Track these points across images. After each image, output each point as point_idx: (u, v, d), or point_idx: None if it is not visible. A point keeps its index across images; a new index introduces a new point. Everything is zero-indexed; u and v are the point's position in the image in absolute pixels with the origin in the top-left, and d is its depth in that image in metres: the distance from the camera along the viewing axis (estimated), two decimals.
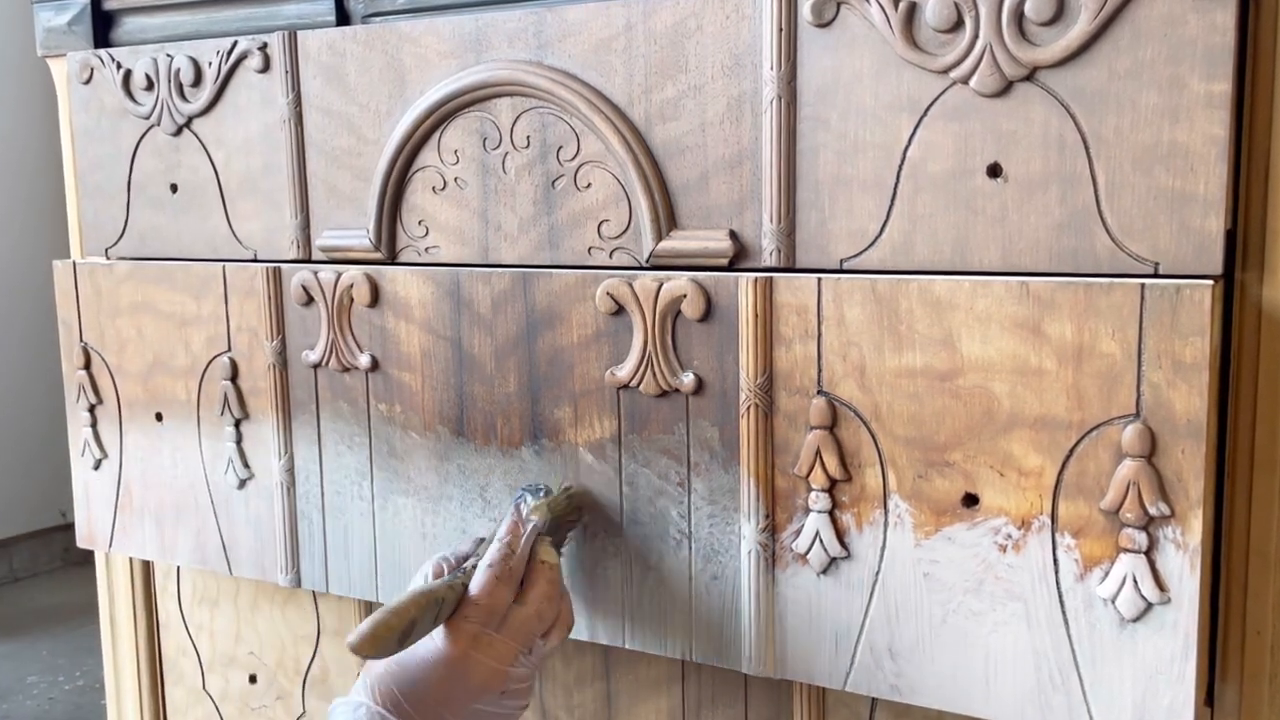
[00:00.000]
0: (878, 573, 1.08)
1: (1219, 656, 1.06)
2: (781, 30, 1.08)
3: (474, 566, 1.15)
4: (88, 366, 1.54)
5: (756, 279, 1.10)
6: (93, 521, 1.59)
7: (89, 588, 2.05)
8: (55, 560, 4.62)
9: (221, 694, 1.70)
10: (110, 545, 1.58)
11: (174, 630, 1.73)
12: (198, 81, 1.42)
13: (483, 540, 1.21)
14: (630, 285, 1.16)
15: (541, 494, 1.21)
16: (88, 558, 4.15)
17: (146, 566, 1.72)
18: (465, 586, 1.13)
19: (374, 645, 1.07)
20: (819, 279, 1.07)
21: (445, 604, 1.11)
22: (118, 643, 1.78)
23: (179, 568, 1.69)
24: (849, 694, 1.22)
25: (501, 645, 1.11)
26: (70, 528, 4.46)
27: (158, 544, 1.53)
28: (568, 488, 1.23)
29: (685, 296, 1.13)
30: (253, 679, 1.67)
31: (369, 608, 1.53)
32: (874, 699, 1.22)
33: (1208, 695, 1.06)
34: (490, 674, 1.10)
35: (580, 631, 1.25)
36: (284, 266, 1.37)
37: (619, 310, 1.17)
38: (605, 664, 1.38)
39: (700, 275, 1.13)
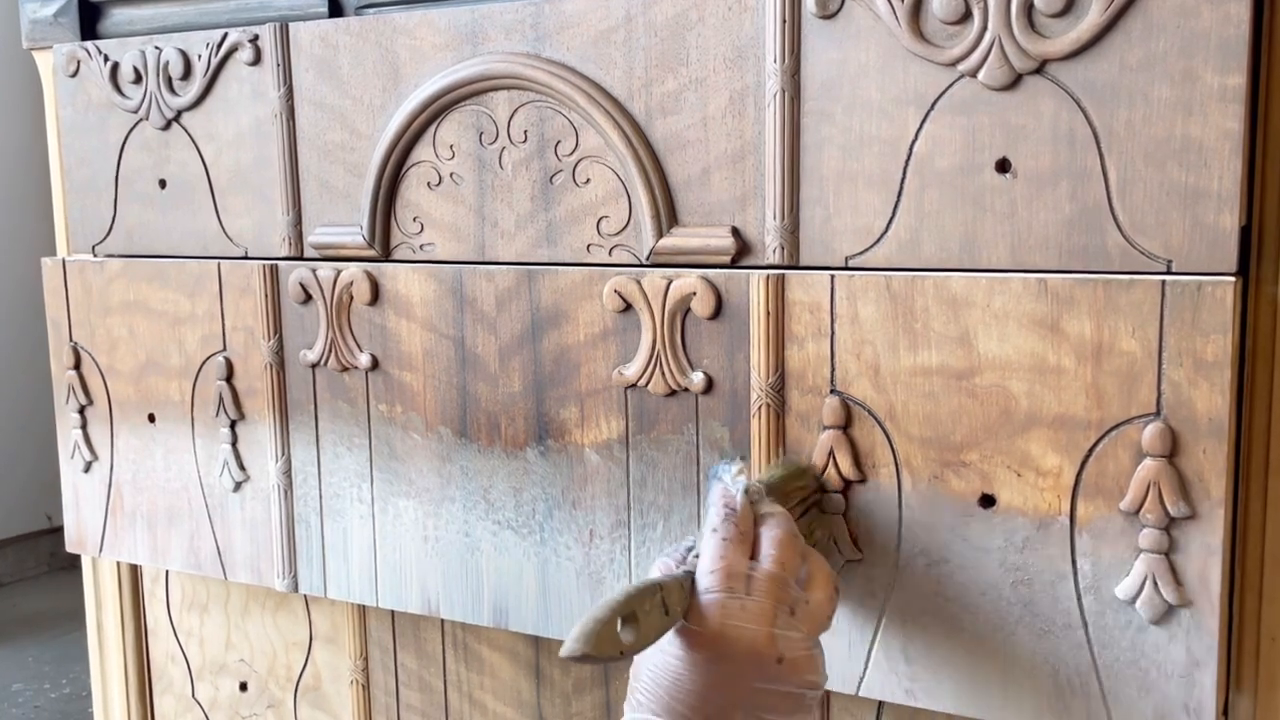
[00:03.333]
0: (892, 575, 1.09)
1: (1233, 664, 1.07)
2: (785, 22, 1.09)
3: (694, 556, 1.03)
4: (78, 366, 1.55)
5: (768, 276, 1.11)
6: (82, 526, 1.60)
7: (76, 593, 2.06)
8: (41, 565, 4.62)
9: (211, 702, 1.71)
10: (101, 550, 1.59)
11: (163, 637, 1.73)
12: (187, 74, 1.42)
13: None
14: (639, 283, 1.17)
15: (736, 462, 1.11)
16: (74, 562, 4.16)
17: (135, 571, 1.73)
18: (691, 574, 1.00)
19: (591, 642, 0.92)
20: (832, 276, 1.08)
21: (671, 591, 0.98)
22: (105, 649, 1.79)
23: (167, 572, 1.70)
24: (853, 699, 1.23)
25: (756, 606, 0.98)
26: (57, 532, 4.46)
27: (150, 549, 1.54)
28: (780, 461, 1.15)
29: (695, 294, 1.14)
30: (243, 687, 1.68)
31: (365, 613, 1.54)
32: (880, 703, 1.23)
33: (1223, 705, 1.07)
34: (754, 639, 0.97)
35: None
36: (281, 264, 1.38)
37: (627, 308, 1.18)
38: (605, 670, 1.39)
39: (710, 273, 1.14)
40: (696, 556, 1.02)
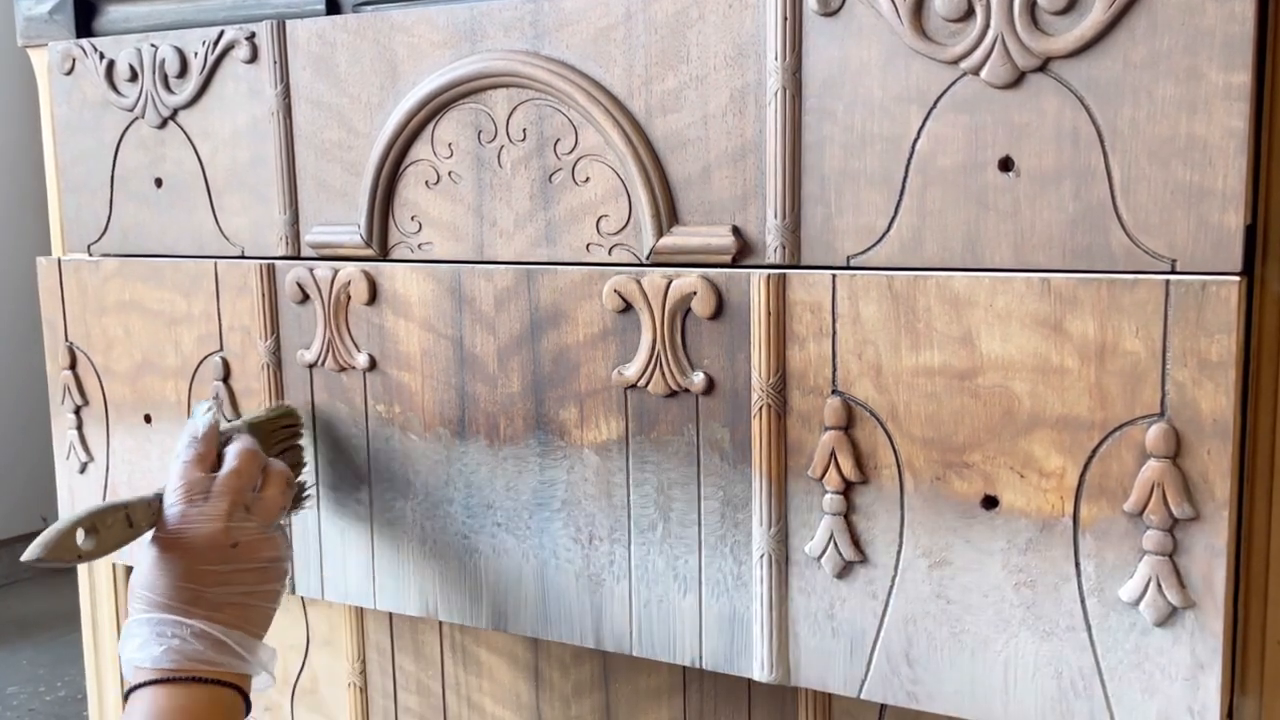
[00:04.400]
0: (894, 577, 1.09)
1: (1238, 668, 1.07)
2: (786, 19, 1.09)
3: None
4: (73, 367, 1.55)
5: (769, 276, 1.11)
6: None
7: (71, 595, 2.05)
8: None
9: None
10: None
11: None
12: (183, 72, 1.42)
13: None
14: (639, 282, 1.17)
15: (209, 402, 1.30)
16: None
17: (130, 573, 1.73)
18: (160, 496, 1.21)
19: (49, 549, 1.11)
20: (833, 275, 1.08)
21: (136, 509, 1.19)
22: (100, 652, 1.79)
23: None
24: (854, 702, 1.23)
25: (211, 508, 1.19)
26: None
27: None
28: (270, 408, 1.39)
29: (695, 294, 1.14)
30: None
31: (363, 615, 1.54)
32: (882, 705, 1.23)
33: (1228, 708, 1.07)
34: (211, 533, 1.18)
35: (584, 639, 1.26)
36: (278, 263, 1.38)
37: (626, 308, 1.18)
38: (604, 674, 1.39)
39: (710, 272, 1.14)
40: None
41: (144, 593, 1.17)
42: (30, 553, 1.10)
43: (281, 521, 1.29)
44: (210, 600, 1.17)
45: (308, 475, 1.40)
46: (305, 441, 1.39)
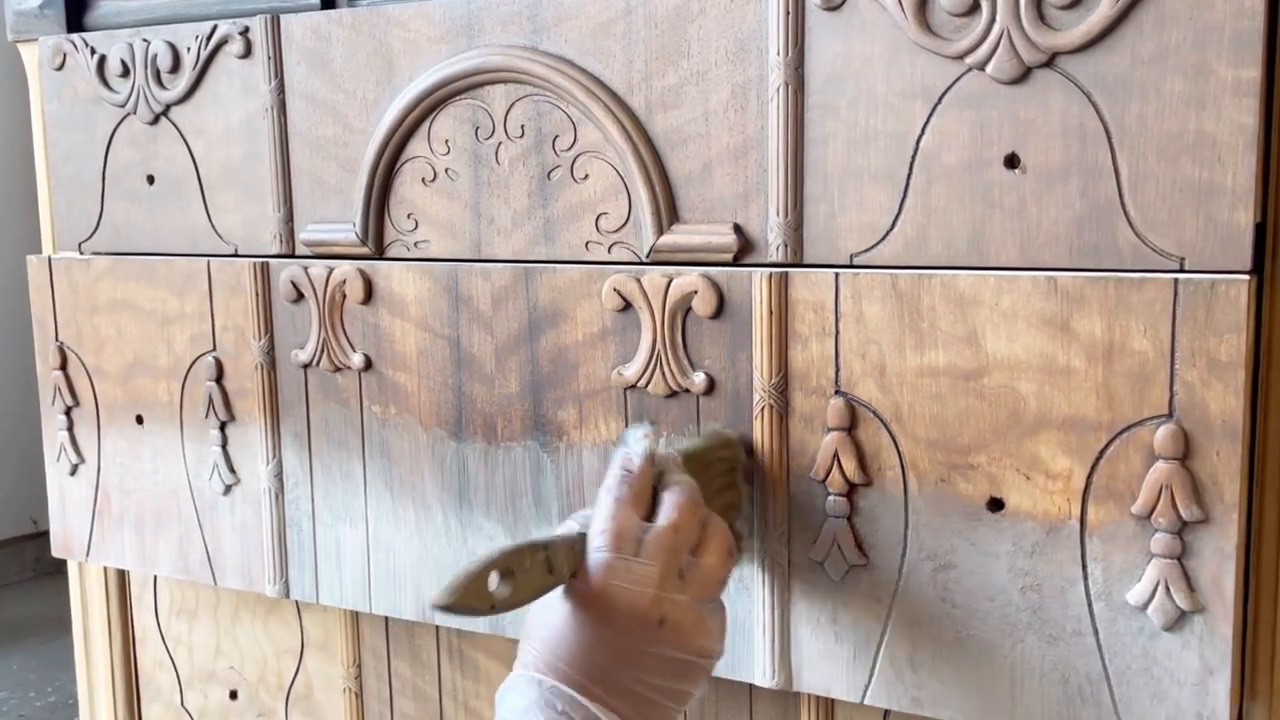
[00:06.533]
0: (898, 581, 1.09)
1: (1247, 672, 1.07)
2: (788, 14, 1.09)
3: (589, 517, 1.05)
4: (64, 367, 1.55)
5: (771, 274, 1.11)
6: (68, 530, 1.60)
7: (61, 599, 2.05)
8: (26, 570, 4.63)
9: (200, 710, 1.71)
10: (87, 555, 1.59)
11: (150, 644, 1.74)
12: (176, 68, 1.42)
13: None
14: (638, 281, 1.17)
15: (644, 425, 1.12)
16: (60, 567, 4.14)
17: (122, 577, 1.73)
18: (583, 536, 1.02)
19: (458, 594, 0.94)
20: (836, 274, 1.08)
21: (557, 550, 0.99)
22: (92, 657, 1.79)
23: (155, 578, 1.70)
24: (858, 708, 1.23)
25: (643, 569, 0.99)
26: (42, 536, 4.46)
27: (138, 553, 1.54)
28: (703, 431, 1.17)
29: (696, 293, 1.14)
30: (233, 695, 1.68)
31: (358, 619, 1.54)
32: (886, 711, 1.23)
33: (1237, 714, 1.07)
34: (636, 600, 0.99)
35: None
36: (272, 262, 1.38)
37: (626, 307, 1.18)
38: None
39: (711, 271, 1.14)
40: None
41: (542, 647, 1.01)
42: (439, 599, 0.94)
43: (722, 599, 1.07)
44: (614, 683, 0.99)
45: (743, 523, 1.19)
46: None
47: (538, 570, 0.98)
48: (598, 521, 1.02)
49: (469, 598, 0.94)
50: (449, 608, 0.93)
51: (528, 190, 1.24)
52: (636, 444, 1.06)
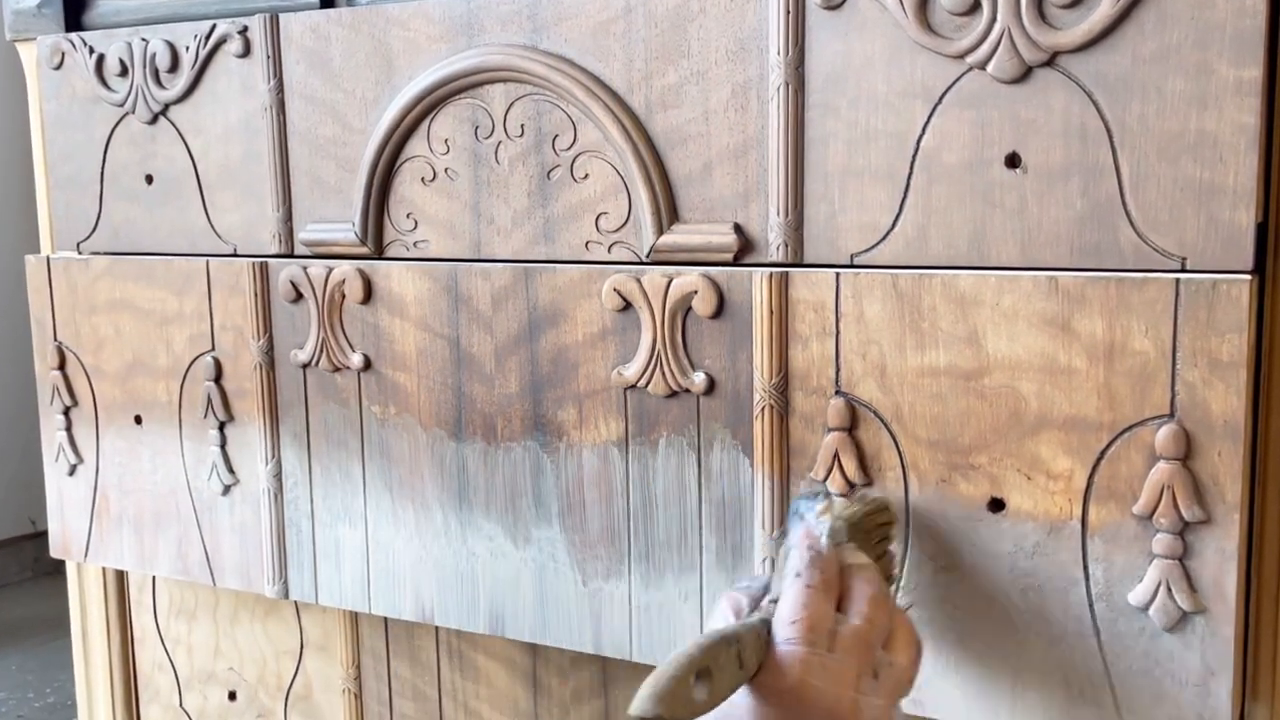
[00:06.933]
0: (898, 581, 1.09)
1: (1249, 673, 1.07)
2: (789, 13, 1.09)
3: (771, 601, 0.97)
4: (62, 367, 1.55)
5: (771, 274, 1.11)
6: (67, 530, 1.60)
7: (60, 599, 2.06)
8: (25, 570, 4.62)
9: (199, 711, 1.71)
10: (86, 555, 1.59)
11: (149, 644, 1.74)
12: (174, 67, 1.42)
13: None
14: (639, 281, 1.17)
15: (821, 499, 1.04)
16: (59, 568, 4.14)
17: (121, 577, 1.73)
18: (767, 623, 0.94)
19: (665, 702, 0.86)
20: (837, 274, 1.08)
21: (746, 643, 0.92)
22: (90, 657, 1.79)
23: (154, 578, 1.70)
24: None
25: (838, 666, 0.92)
26: (41, 536, 4.46)
27: (136, 554, 1.54)
28: (857, 496, 1.10)
29: (696, 293, 1.14)
30: (232, 696, 1.68)
31: (358, 620, 1.54)
32: None
33: (1239, 715, 1.06)
34: (834, 703, 0.91)
35: (583, 644, 1.26)
36: (271, 262, 1.38)
37: (626, 307, 1.18)
38: (603, 680, 1.39)
39: (712, 270, 1.14)
40: (774, 602, 0.96)
41: None
42: (645, 708, 0.85)
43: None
44: None
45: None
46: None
47: (730, 668, 0.90)
48: (789, 609, 0.94)
49: (674, 706, 0.86)
50: (656, 716, 0.85)
51: (527, 190, 1.24)
52: (818, 520, 1.00)
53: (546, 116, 1.22)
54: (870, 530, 1.05)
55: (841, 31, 1.08)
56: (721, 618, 0.98)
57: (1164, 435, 0.97)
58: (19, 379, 4.26)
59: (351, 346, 1.34)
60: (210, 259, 1.42)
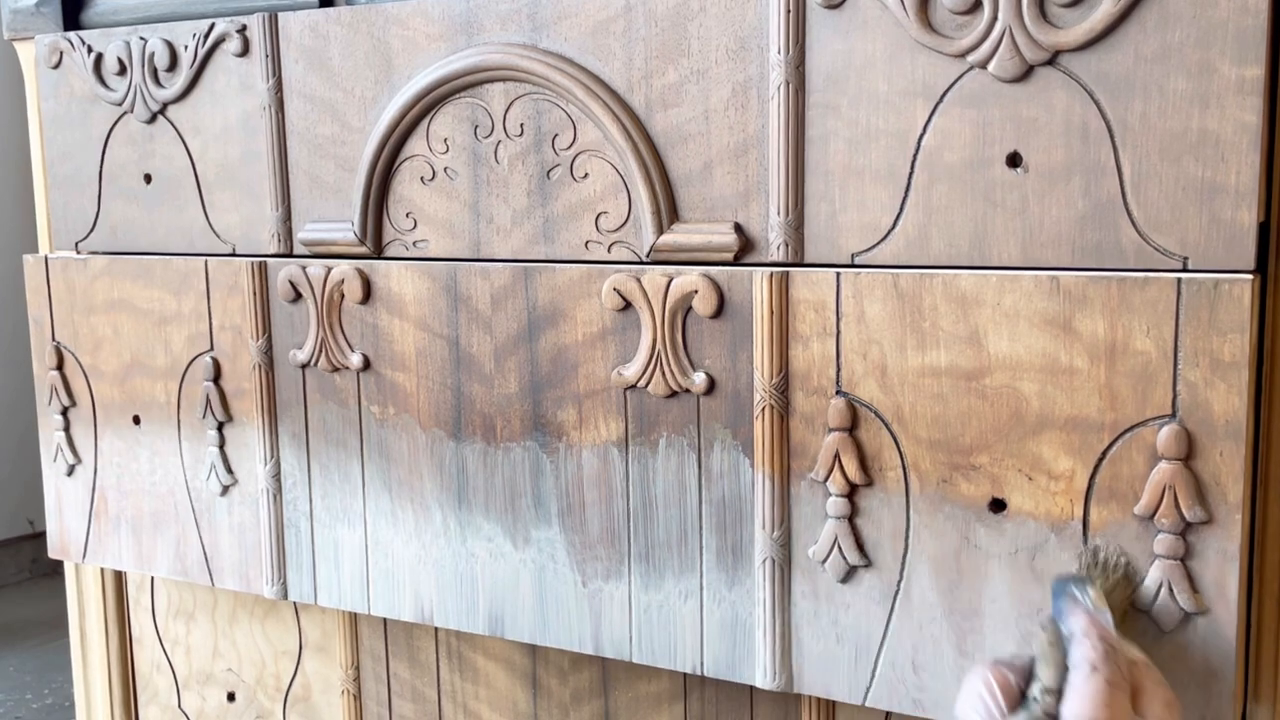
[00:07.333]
0: (900, 582, 1.09)
1: (1251, 674, 1.07)
2: (789, 12, 1.09)
3: (1044, 692, 0.93)
4: (60, 367, 1.55)
5: (772, 274, 1.11)
6: (65, 531, 1.60)
7: (58, 600, 2.06)
8: (23, 571, 4.62)
9: (198, 712, 1.71)
10: (84, 556, 1.59)
11: (148, 645, 1.74)
12: (173, 66, 1.42)
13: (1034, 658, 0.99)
14: (638, 281, 1.17)
15: (1096, 584, 0.99)
16: (57, 569, 4.15)
17: (119, 578, 1.73)
18: (1052, 717, 0.92)
19: None
20: (838, 273, 1.08)
21: None
22: (88, 658, 1.79)
23: (153, 579, 1.70)
24: (859, 709, 1.23)
25: None
26: (39, 537, 4.46)
27: (135, 554, 1.54)
28: (1113, 562, 1.03)
29: (696, 292, 1.14)
30: (231, 697, 1.68)
31: (357, 620, 1.54)
32: (887, 713, 1.23)
33: (1240, 715, 1.06)
34: None
35: (583, 645, 1.26)
36: (270, 261, 1.38)
37: (626, 307, 1.18)
38: (603, 681, 1.39)
39: (712, 270, 1.14)
40: (1046, 691, 0.94)
41: None
42: None
43: None
44: None
45: None
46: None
47: None
48: (1088, 704, 0.91)
49: None
50: None
51: (527, 189, 1.24)
52: (1098, 606, 0.96)
53: (546, 116, 1.22)
54: (1118, 602, 1.02)
55: (842, 30, 1.08)
56: (985, 688, 0.95)
57: (1166, 435, 0.97)
58: (17, 379, 4.26)
59: (350, 346, 1.34)
60: (209, 259, 1.42)
